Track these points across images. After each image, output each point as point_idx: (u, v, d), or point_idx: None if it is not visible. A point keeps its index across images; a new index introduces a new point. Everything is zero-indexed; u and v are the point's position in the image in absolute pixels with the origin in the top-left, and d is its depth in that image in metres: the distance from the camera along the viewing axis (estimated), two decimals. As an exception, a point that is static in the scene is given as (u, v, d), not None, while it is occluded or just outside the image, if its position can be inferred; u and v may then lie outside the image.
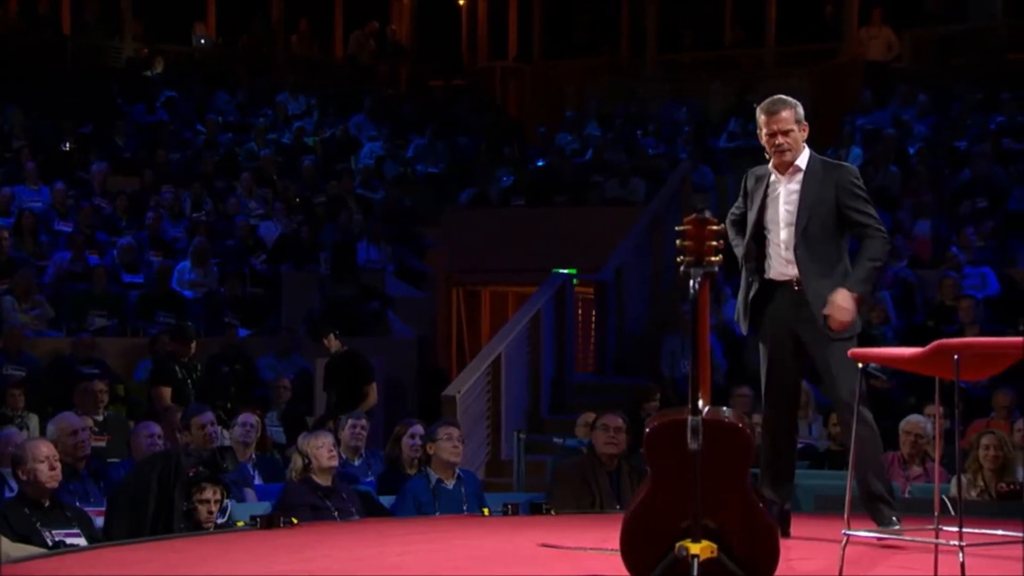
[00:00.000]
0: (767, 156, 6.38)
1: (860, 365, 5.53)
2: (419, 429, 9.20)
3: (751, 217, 6.42)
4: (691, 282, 4.89)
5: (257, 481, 9.52)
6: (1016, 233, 14.63)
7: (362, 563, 6.06)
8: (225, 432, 10.05)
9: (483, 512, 8.02)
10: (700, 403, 4.81)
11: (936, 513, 5.44)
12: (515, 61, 24.02)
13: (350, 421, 10.04)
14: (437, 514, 8.17)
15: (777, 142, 6.27)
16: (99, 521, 7.40)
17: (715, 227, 4.94)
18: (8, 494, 7.88)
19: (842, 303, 6.05)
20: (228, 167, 18.31)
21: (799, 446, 10.90)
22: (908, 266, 14.06)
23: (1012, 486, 8.44)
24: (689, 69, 22.74)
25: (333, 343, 12.11)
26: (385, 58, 23.71)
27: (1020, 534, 5.33)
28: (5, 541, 6.55)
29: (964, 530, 4.88)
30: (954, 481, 7.33)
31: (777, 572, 4.86)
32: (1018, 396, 10.64)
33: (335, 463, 8.21)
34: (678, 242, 4.97)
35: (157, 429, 9.19)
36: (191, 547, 6.52)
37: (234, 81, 21.76)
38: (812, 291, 6.18)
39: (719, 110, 20.57)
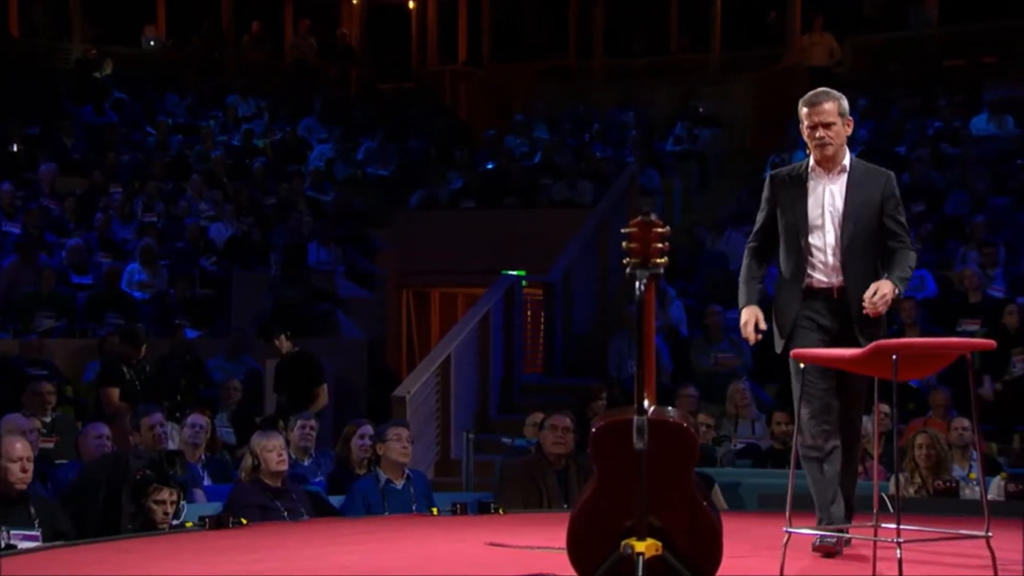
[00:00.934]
0: (807, 152, 6.08)
1: (801, 366, 5.62)
2: (369, 429, 9.24)
3: (785, 219, 6.05)
4: (637, 283, 4.91)
5: (207, 482, 9.50)
6: (953, 236, 14.82)
7: (311, 563, 6.09)
8: (175, 432, 10.05)
9: (432, 512, 8.08)
10: (645, 403, 4.82)
11: (875, 510, 5.54)
12: (464, 65, 24.06)
13: (299, 422, 10.07)
14: (386, 514, 8.21)
15: (818, 135, 5.93)
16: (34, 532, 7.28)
17: (660, 229, 4.96)
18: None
19: (888, 293, 5.70)
20: (178, 169, 18.26)
21: (740, 445, 11.12)
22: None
23: (948, 484, 8.62)
24: (636, 74, 22.93)
25: (284, 344, 12.12)
26: (335, 61, 23.70)
27: (955, 530, 5.45)
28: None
29: (902, 527, 4.96)
30: (893, 479, 7.45)
31: (720, 570, 4.91)
32: (954, 395, 10.81)
33: (284, 468, 8.19)
34: (624, 244, 4.98)
35: (106, 430, 9.15)
36: (139, 548, 6.52)
37: (184, 83, 21.68)
38: (855, 299, 5.82)
39: (665, 114, 20.70)
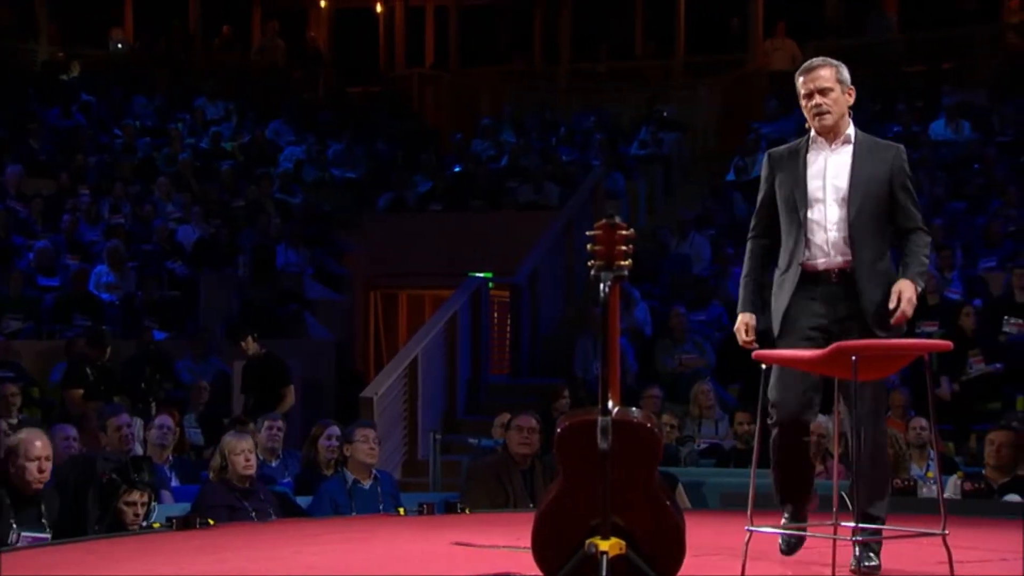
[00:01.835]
0: (806, 127, 5.67)
1: (763, 367, 5.67)
2: (336, 430, 9.27)
3: (783, 194, 5.60)
4: (601, 285, 4.92)
5: (174, 483, 9.54)
6: (913, 239, 14.95)
7: (278, 563, 6.10)
8: (141, 430, 10.08)
9: (399, 512, 8.13)
10: (610, 404, 4.84)
11: (834, 509, 5.62)
12: (432, 69, 24.14)
13: (266, 423, 10.10)
14: (353, 514, 8.25)
15: (815, 102, 5.54)
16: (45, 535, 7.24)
17: (625, 232, 4.95)
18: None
19: (912, 296, 5.32)
20: (146, 171, 18.25)
21: (703, 445, 11.22)
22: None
23: (906, 482, 8.75)
24: (601, 79, 23.04)
25: (251, 346, 12.15)
26: (303, 65, 23.72)
27: (912, 528, 5.55)
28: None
29: (861, 524, 5.04)
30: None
31: (683, 568, 4.94)
32: (913, 396, 10.94)
33: (251, 472, 8.18)
34: (589, 246, 4.98)
35: (73, 432, 9.10)
36: (107, 548, 6.52)
37: (152, 86, 21.65)
38: (864, 281, 5.42)
39: (630, 118, 20.81)
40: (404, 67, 24.47)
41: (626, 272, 4.99)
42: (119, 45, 23.08)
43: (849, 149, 5.57)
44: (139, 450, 9.59)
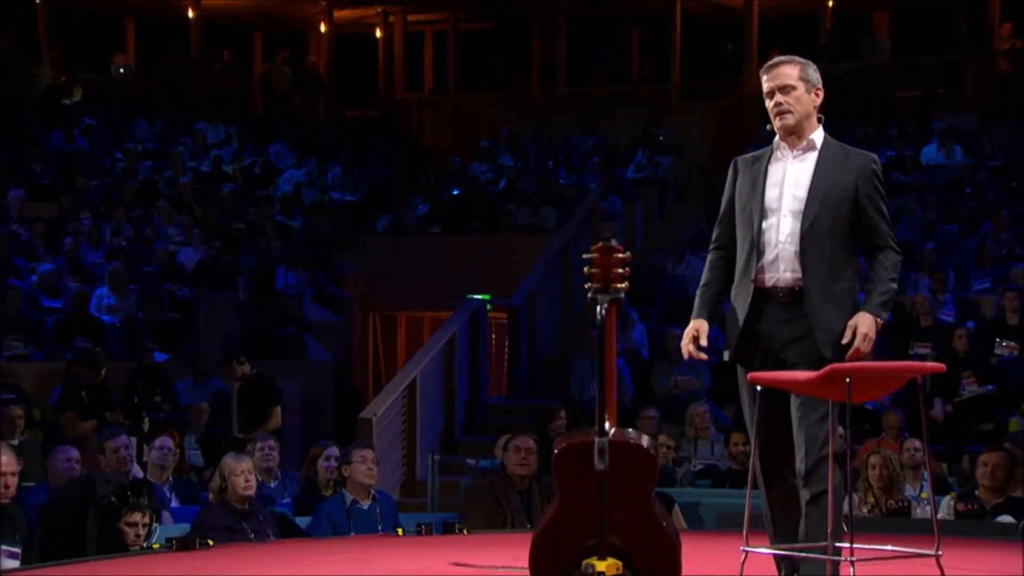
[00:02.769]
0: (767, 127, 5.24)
1: (758, 388, 5.69)
2: (335, 451, 9.31)
3: (741, 203, 5.18)
4: (598, 308, 4.96)
5: (174, 504, 9.57)
6: (905, 262, 15.02)
7: (277, 583, 6.17)
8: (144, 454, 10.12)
9: (397, 532, 8.18)
10: (607, 425, 4.88)
11: (830, 529, 5.67)
12: (430, 93, 24.26)
13: (259, 443, 10.12)
14: (352, 535, 8.28)
15: (776, 101, 5.11)
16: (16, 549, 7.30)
17: (621, 255, 4.99)
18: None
19: (868, 331, 5.02)
20: (147, 194, 18.30)
21: (699, 466, 11.26)
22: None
23: (900, 503, 8.81)
24: (598, 102, 23.16)
25: (238, 369, 12.25)
26: (303, 89, 23.82)
27: (907, 549, 5.60)
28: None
29: (855, 545, 5.08)
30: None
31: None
32: (907, 417, 11.01)
33: (250, 493, 8.17)
34: (586, 269, 5.02)
35: (75, 453, 9.13)
36: (107, 569, 6.54)
37: (153, 110, 21.72)
38: (815, 301, 5.04)
39: (626, 141, 20.91)
40: (403, 91, 24.58)
41: (622, 295, 5.03)
42: (121, 70, 23.14)
43: (814, 156, 5.13)
44: (138, 471, 9.63)
